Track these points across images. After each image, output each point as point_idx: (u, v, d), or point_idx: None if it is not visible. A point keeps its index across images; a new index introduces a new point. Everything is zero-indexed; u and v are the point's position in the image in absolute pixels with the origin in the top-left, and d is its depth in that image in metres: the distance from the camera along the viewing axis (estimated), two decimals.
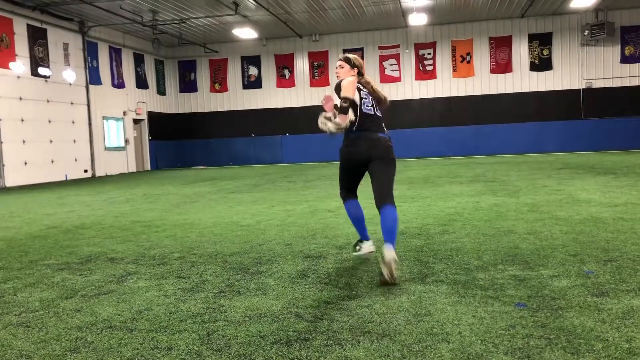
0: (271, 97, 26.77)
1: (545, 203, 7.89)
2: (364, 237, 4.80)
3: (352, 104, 4.27)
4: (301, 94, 26.45)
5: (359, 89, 4.50)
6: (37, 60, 18.57)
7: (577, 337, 2.85)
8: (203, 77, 27.40)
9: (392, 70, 25.52)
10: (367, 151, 4.40)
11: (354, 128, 4.42)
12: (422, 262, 4.64)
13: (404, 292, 3.77)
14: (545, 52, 24.31)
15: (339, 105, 4.27)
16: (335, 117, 4.26)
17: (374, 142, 4.41)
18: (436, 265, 4.51)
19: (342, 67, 4.63)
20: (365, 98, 4.51)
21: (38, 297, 4.06)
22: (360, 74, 4.64)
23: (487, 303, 3.46)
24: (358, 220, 4.78)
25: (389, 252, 3.95)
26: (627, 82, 23.80)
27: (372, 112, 4.49)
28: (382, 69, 25.56)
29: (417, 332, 3.01)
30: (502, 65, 24.66)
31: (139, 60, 24.83)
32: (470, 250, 5.02)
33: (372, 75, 25.69)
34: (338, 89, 4.39)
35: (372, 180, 4.53)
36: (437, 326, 3.09)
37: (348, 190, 4.83)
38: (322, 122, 4.23)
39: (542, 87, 24.44)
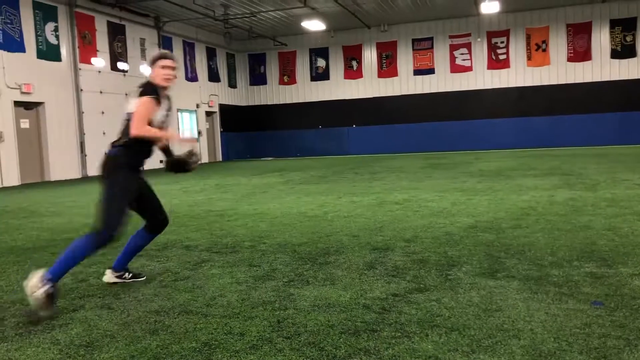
0: (338, 88, 26.82)
1: (625, 198, 7.51)
2: None
3: None
4: (369, 85, 26.33)
5: None
6: (116, 55, 19.47)
7: None
8: (272, 69, 27.81)
9: (463, 60, 24.92)
10: None
11: None
12: (492, 257, 4.55)
13: (473, 287, 3.72)
14: (628, 39, 22.98)
15: None
16: None
17: None
18: (508, 260, 4.41)
19: None
20: None
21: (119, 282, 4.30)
22: None
23: (560, 300, 3.36)
24: None
25: None
26: None
27: None
28: (452, 59, 25.02)
29: (487, 328, 2.97)
30: (580, 53, 23.54)
31: (211, 54, 25.50)
32: (544, 245, 4.87)
33: (442, 66, 25.18)
34: None
35: None
36: (507, 322, 3.04)
37: None
38: None
39: (624, 76, 23.13)
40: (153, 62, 3.96)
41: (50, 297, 3.42)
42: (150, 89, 3.82)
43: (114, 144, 3.89)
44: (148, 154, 3.98)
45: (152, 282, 4.22)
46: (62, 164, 17.00)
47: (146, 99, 3.76)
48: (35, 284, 3.42)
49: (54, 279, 3.51)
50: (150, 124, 3.80)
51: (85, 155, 17.89)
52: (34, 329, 3.25)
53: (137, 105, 3.77)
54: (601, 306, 3.23)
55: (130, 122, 3.78)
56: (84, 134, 17.86)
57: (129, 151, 3.83)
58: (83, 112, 17.83)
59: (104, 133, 18.69)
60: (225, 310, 3.46)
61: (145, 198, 4.07)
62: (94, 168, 18.09)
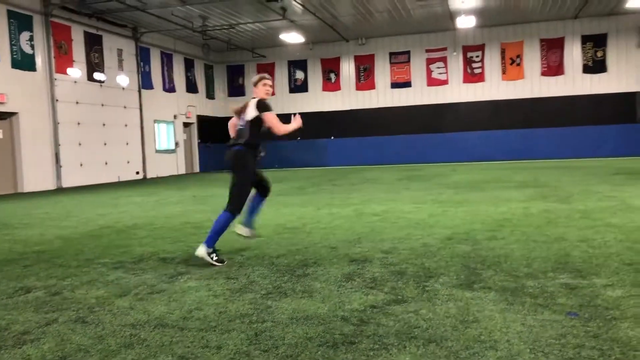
0: (317, 100, 26.90)
1: (598, 210, 7.65)
2: None
3: None
4: (347, 98, 26.47)
5: None
6: (93, 66, 19.26)
7: (632, 348, 2.77)
8: (251, 81, 27.76)
9: (439, 74, 25.23)
10: None
11: None
12: (469, 268, 4.59)
13: (450, 299, 3.74)
14: (599, 54, 23.54)
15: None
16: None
17: None
18: (484, 271, 4.45)
19: None
20: None
21: (94, 295, 4.22)
22: None
23: (536, 311, 3.40)
24: None
25: None
26: None
27: None
28: (428, 72, 25.31)
29: (464, 339, 2.99)
30: (553, 68, 24.02)
31: (189, 65, 25.40)
32: (520, 257, 4.93)
33: (419, 79, 25.45)
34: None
35: None
36: (484, 333, 3.06)
37: None
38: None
39: (596, 90, 23.67)
40: (257, 82, 5.39)
41: (220, 261, 5.02)
42: (265, 104, 5.23)
43: (236, 143, 5.25)
44: (258, 147, 5.31)
45: (127, 295, 4.16)
46: (36, 176, 16.70)
47: (272, 113, 5.22)
48: (205, 256, 5.00)
49: (211, 246, 5.05)
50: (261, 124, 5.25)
51: (61, 167, 17.60)
52: (4, 345, 3.17)
53: (267, 118, 5.19)
54: (576, 317, 3.27)
55: (258, 127, 5.23)
56: (59, 144, 17.58)
57: (250, 148, 5.20)
58: (58, 123, 17.55)
59: (79, 144, 18.44)
60: (202, 324, 3.42)
61: (258, 176, 5.44)
62: (69, 179, 17.84)
